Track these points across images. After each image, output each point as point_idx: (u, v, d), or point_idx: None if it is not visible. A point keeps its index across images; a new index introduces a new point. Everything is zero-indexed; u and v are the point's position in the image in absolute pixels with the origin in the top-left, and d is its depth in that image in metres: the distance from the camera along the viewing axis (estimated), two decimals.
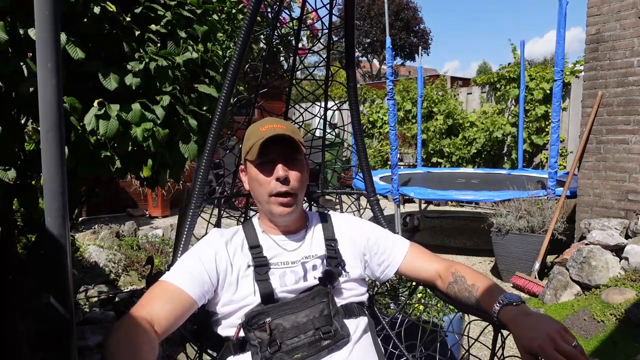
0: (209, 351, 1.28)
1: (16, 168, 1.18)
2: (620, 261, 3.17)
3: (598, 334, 2.68)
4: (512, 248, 3.73)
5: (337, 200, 1.91)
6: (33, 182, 1.34)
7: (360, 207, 1.82)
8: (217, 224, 1.62)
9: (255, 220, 1.21)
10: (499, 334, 1.08)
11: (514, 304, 0.95)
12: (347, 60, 1.57)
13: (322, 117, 1.87)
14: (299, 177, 1.09)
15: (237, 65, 1.29)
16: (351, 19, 1.46)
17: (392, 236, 1.27)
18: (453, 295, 1.12)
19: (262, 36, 2.40)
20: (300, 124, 1.86)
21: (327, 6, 1.61)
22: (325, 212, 1.30)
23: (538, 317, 0.90)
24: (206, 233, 1.21)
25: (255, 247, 1.11)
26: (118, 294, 2.99)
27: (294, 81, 1.77)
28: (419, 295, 2.20)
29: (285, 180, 1.07)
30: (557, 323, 0.86)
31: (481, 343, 1.25)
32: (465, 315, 1.30)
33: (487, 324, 1.10)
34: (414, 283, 1.41)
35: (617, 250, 3.25)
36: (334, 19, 1.68)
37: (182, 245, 1.34)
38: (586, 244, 3.37)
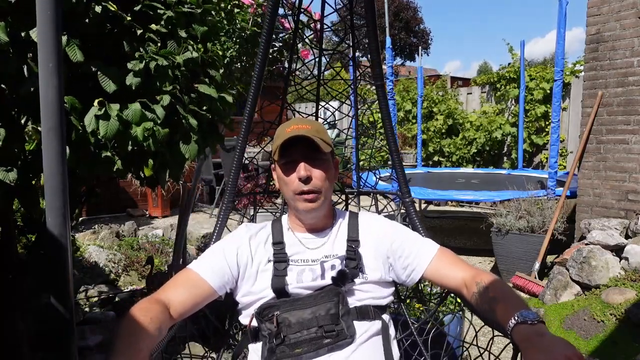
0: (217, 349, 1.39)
1: (17, 168, 1.18)
2: (620, 261, 3.17)
3: (598, 334, 2.68)
4: (512, 248, 3.73)
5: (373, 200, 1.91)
6: (34, 182, 1.34)
7: (394, 209, 1.79)
8: (253, 220, 1.71)
9: (284, 217, 1.26)
10: (519, 354, 1.04)
11: (529, 322, 0.90)
12: (372, 59, 1.57)
13: (353, 117, 1.87)
14: (322, 175, 1.11)
15: (261, 68, 1.33)
16: (372, 17, 1.47)
17: (420, 240, 1.23)
18: (475, 305, 1.08)
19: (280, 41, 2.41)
20: (332, 122, 1.88)
21: (348, 5, 1.61)
22: (356, 212, 1.30)
23: (553, 339, 0.85)
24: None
25: (278, 244, 1.17)
26: (118, 294, 2.99)
27: (322, 81, 1.78)
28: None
29: (307, 180, 1.09)
30: (571, 348, 0.81)
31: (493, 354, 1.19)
32: (490, 329, 1.28)
33: (508, 341, 1.06)
34: (445, 290, 1.36)
35: (617, 250, 3.25)
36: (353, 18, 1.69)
37: (214, 236, 1.47)
38: (586, 244, 3.37)
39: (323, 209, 1.16)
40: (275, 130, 1.22)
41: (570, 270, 3.26)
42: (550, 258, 3.81)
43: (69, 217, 0.77)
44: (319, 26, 1.78)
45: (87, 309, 2.75)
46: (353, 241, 1.18)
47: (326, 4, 1.67)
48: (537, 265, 3.54)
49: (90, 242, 3.98)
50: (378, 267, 1.17)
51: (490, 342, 1.16)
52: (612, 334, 2.65)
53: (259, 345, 1.09)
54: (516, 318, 0.91)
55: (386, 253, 1.19)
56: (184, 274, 1.11)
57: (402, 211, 1.75)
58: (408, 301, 1.81)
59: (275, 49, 2.33)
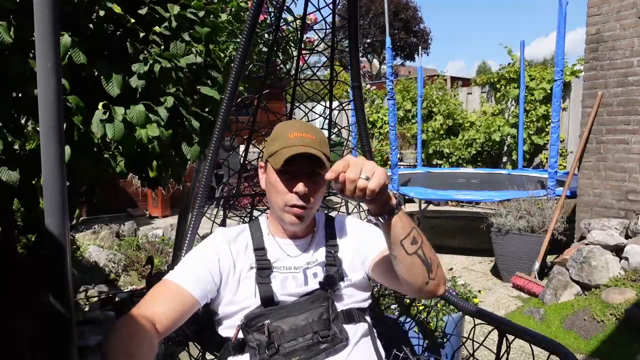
0: (210, 351, 1.29)
1: (17, 168, 1.18)
2: (620, 261, 3.18)
3: (598, 334, 2.68)
4: (512, 248, 3.73)
5: (342, 201, 1.90)
6: (33, 182, 1.34)
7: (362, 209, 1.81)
8: (223, 224, 1.62)
9: (262, 220, 1.20)
10: (504, 338, 1.06)
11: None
12: (351, 59, 1.57)
13: (327, 117, 1.86)
14: (317, 193, 1.08)
15: (240, 66, 1.29)
16: (354, 17, 1.46)
17: (382, 237, 1.23)
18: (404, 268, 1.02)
19: (261, 39, 2.40)
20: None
21: (330, 5, 1.61)
22: (332, 215, 1.29)
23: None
24: (211, 232, 1.21)
25: (259, 249, 1.12)
26: (118, 294, 2.99)
27: (298, 81, 1.77)
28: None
29: (303, 196, 1.06)
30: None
31: (485, 347, 1.24)
32: (470, 318, 1.29)
33: (492, 328, 1.08)
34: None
35: (617, 250, 3.25)
36: (336, 18, 1.68)
37: (186, 245, 1.35)
38: (586, 244, 3.37)
39: (307, 222, 1.13)
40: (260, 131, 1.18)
41: (570, 270, 3.26)
42: (550, 258, 3.81)
43: (68, 217, 0.76)
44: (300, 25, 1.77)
45: (87, 309, 2.75)
46: (332, 247, 1.17)
47: (309, 3, 1.65)
48: (537, 265, 3.54)
49: (90, 242, 3.98)
50: (358, 269, 1.17)
51: (473, 330, 1.21)
52: (612, 334, 2.65)
53: (246, 357, 1.05)
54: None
55: (359, 250, 1.18)
56: (162, 286, 1.03)
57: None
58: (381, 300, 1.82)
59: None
